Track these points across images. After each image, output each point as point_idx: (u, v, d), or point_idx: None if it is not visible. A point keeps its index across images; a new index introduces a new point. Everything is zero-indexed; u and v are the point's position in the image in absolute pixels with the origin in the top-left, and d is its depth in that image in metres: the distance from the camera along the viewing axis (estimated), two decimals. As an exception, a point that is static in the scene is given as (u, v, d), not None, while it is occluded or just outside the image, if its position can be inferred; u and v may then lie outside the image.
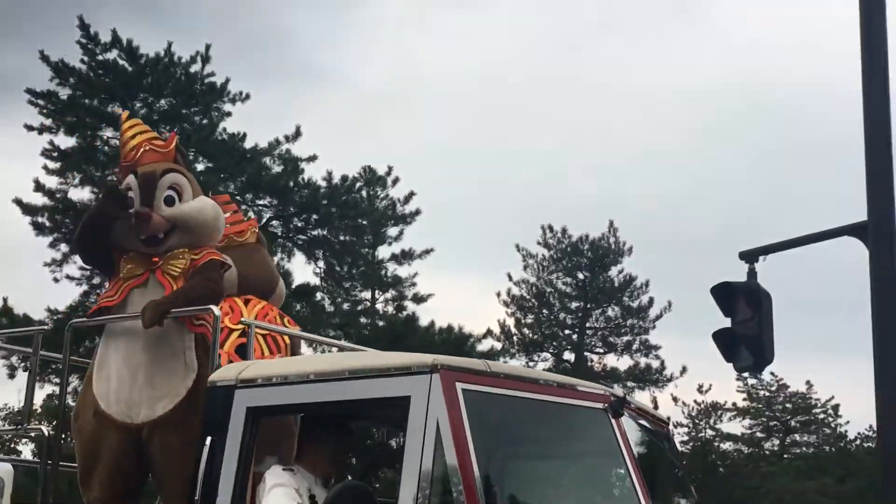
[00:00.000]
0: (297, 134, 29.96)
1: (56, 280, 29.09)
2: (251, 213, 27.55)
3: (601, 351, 41.29)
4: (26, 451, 30.63)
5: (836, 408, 44.96)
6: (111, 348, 6.53)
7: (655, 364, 40.30)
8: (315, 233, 31.13)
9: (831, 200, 47.96)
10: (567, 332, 41.47)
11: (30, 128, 28.87)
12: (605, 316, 41.40)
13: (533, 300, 41.65)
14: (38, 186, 28.45)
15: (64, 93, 29.07)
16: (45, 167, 28.80)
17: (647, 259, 54.14)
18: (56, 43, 58.32)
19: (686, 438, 43.74)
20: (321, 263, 32.10)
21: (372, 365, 5.55)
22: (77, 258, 29.20)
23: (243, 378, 5.85)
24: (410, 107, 65.43)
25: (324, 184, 30.80)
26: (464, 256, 57.41)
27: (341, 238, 31.66)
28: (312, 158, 30.00)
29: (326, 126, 57.99)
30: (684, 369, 40.14)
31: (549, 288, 41.58)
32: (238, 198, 29.44)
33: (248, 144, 29.80)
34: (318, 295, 31.99)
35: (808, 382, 45.03)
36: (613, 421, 5.46)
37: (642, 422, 6.00)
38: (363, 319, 33.11)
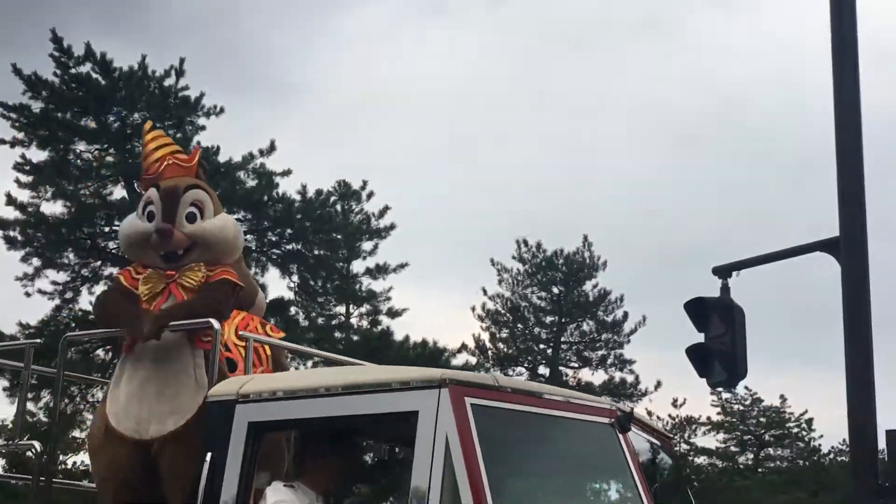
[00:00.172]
0: (272, 148, 29.90)
1: (28, 294, 28.92)
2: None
3: (576, 365, 41.32)
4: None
5: (809, 422, 45.16)
6: (126, 365, 6.51)
7: (630, 378, 40.37)
8: (289, 247, 31.04)
9: (803, 216, 48.23)
10: (542, 346, 41.49)
11: (2, 141, 28.71)
12: (579, 330, 41.44)
13: (508, 314, 41.64)
14: (10, 200, 28.27)
15: (36, 106, 28.92)
16: (17, 181, 28.62)
17: (622, 274, 54.40)
18: (29, 56, 58.05)
19: (660, 453, 43.73)
20: (295, 278, 32.02)
21: (378, 379, 5.47)
22: (49, 272, 29.09)
23: (244, 393, 5.74)
24: (384, 120, 65.46)
25: (298, 198, 30.74)
26: (438, 271, 57.50)
27: (316, 252, 31.58)
28: (287, 173, 29.94)
29: (301, 140, 57.96)
30: (659, 384, 40.22)
31: (523, 302, 41.59)
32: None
33: (222, 158, 29.68)
34: (293, 309, 31.89)
35: (781, 397, 45.26)
36: (620, 436, 5.43)
37: (648, 437, 5.96)
38: (338, 334, 33.01)
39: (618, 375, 40.46)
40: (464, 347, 38.14)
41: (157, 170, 6.86)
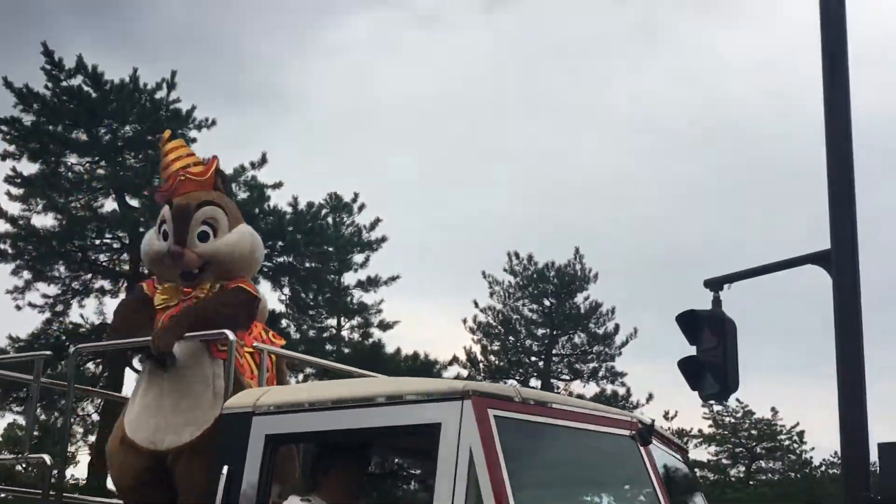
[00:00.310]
0: (263, 161, 29.92)
1: (18, 308, 28.86)
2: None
3: (567, 378, 41.29)
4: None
5: (801, 434, 45.20)
6: (144, 376, 6.49)
7: (622, 391, 40.33)
8: (281, 260, 31.03)
9: (795, 228, 48.32)
10: (533, 358, 41.46)
11: (-7, 154, 28.71)
12: (571, 343, 41.44)
13: (499, 327, 41.61)
14: (1, 213, 28.23)
15: (28, 119, 28.93)
16: (8, 193, 28.60)
17: (613, 286, 54.35)
18: (20, 69, 58.04)
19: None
20: (287, 290, 32.01)
21: (399, 391, 5.38)
22: (39, 285, 29.02)
23: (261, 405, 5.66)
24: (375, 133, 65.51)
25: (289, 210, 30.75)
26: (430, 283, 57.51)
27: (307, 265, 31.57)
28: (278, 185, 29.95)
29: (292, 152, 57.96)
30: (650, 396, 40.18)
31: (515, 315, 41.57)
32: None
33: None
34: (284, 322, 31.87)
35: (773, 409, 45.31)
36: (642, 449, 5.37)
37: (667, 449, 5.91)
38: (329, 346, 32.99)
39: (609, 388, 40.46)
40: (455, 360, 38.16)
41: (171, 187, 6.81)
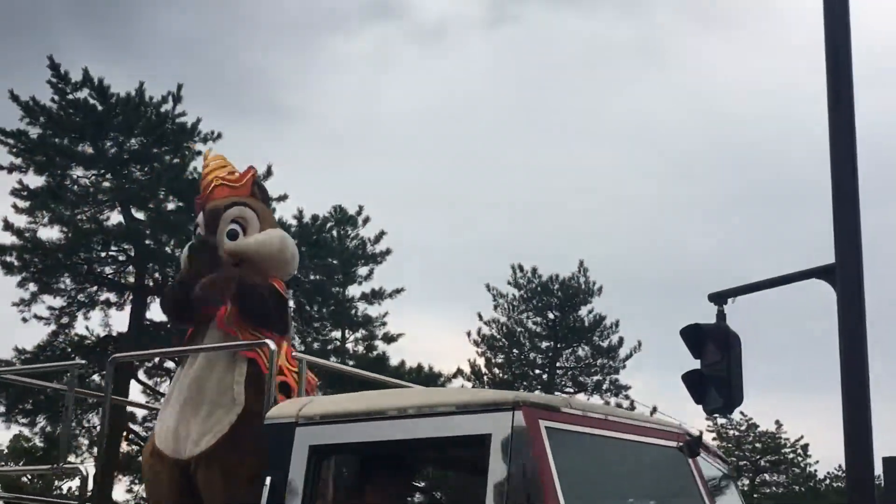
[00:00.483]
0: (268, 173, 29.93)
1: (24, 320, 28.88)
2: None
3: (571, 391, 41.22)
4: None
5: (805, 447, 45.15)
6: (174, 385, 6.50)
7: (626, 404, 40.24)
8: (285, 272, 31.02)
9: (800, 241, 48.29)
10: (537, 371, 41.43)
11: (-1, 167, 28.77)
12: (575, 356, 41.38)
13: (503, 340, 41.58)
14: (7, 225, 28.27)
15: (34, 132, 28.98)
16: (15, 206, 28.63)
17: (618, 299, 54.39)
18: (26, 82, 58.16)
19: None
20: (291, 303, 31.98)
21: (447, 401, 5.31)
22: (45, 298, 29.04)
23: (304, 415, 5.59)
24: (380, 145, 65.60)
25: (294, 223, 30.77)
26: (434, 296, 57.52)
27: (311, 277, 31.58)
28: (283, 198, 29.97)
29: (297, 165, 58.07)
30: (654, 409, 40.13)
31: (519, 327, 41.54)
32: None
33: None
34: (288, 334, 31.83)
35: (777, 422, 45.26)
36: (690, 461, 5.32)
37: (713, 461, 5.86)
38: (333, 359, 32.99)
39: (613, 401, 40.37)
40: (459, 373, 38.12)
41: (206, 193, 6.85)
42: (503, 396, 5.11)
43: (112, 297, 29.65)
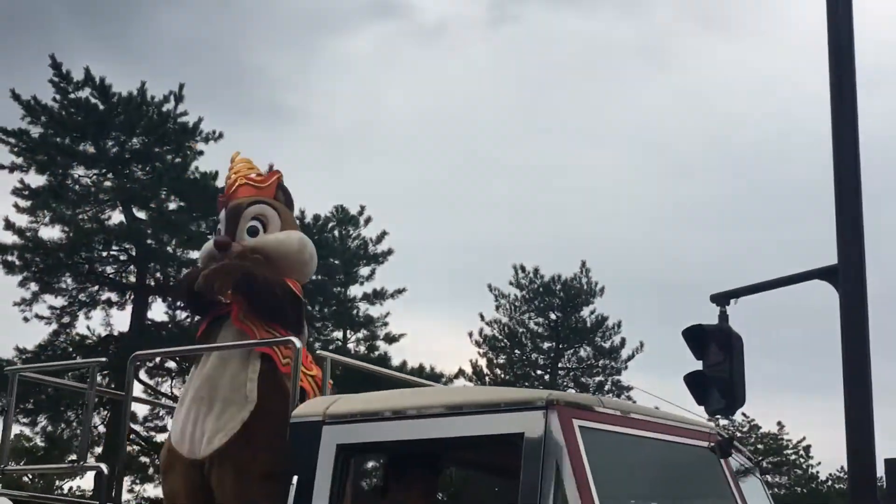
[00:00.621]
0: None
1: (26, 319, 28.87)
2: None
3: (573, 391, 41.25)
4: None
5: (807, 449, 45.14)
6: (189, 384, 6.47)
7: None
8: (287, 272, 31.00)
9: (803, 242, 48.27)
10: (539, 372, 41.43)
11: (0, 166, 28.76)
12: (577, 356, 41.40)
13: (505, 340, 41.59)
14: (9, 225, 28.27)
15: (35, 131, 28.99)
16: (16, 205, 28.64)
17: (620, 300, 54.36)
18: (28, 81, 58.20)
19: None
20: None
21: (479, 400, 5.24)
22: (46, 297, 29.04)
23: (332, 413, 5.52)
24: (382, 145, 65.61)
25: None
26: (436, 296, 57.51)
27: (313, 277, 31.52)
28: (285, 198, 29.91)
29: (299, 165, 58.00)
30: (656, 409, 40.12)
31: (521, 328, 41.54)
32: (210, 236, 29.33)
33: (220, 183, 29.69)
34: (290, 335, 31.79)
35: (779, 423, 45.25)
36: (722, 461, 5.28)
37: (743, 461, 5.81)
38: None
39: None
40: (461, 373, 38.14)
41: (229, 192, 6.83)
42: (536, 395, 5.04)
43: (113, 296, 29.65)
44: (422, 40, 73.90)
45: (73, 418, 29.22)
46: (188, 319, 26.56)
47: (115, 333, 29.20)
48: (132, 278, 29.69)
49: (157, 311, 30.11)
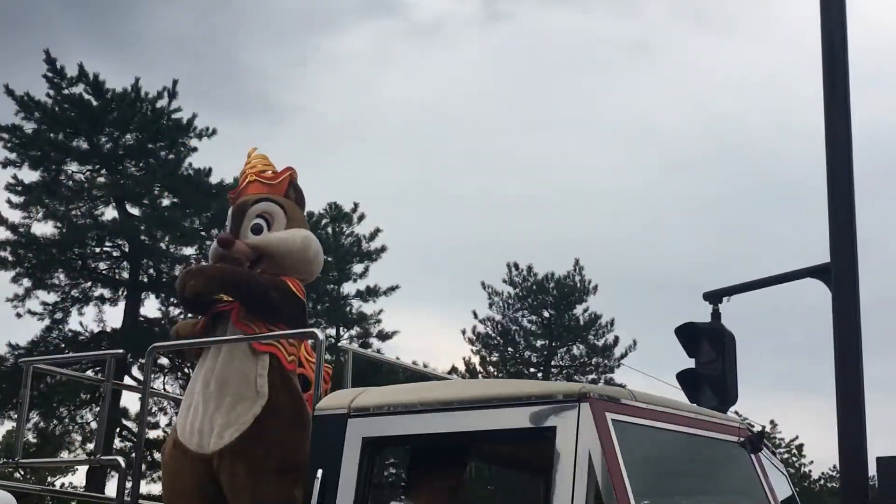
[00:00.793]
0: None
1: (18, 315, 28.85)
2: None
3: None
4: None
5: (800, 448, 45.18)
6: (195, 377, 6.42)
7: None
8: (280, 269, 30.99)
9: (795, 240, 48.34)
10: (532, 370, 41.41)
11: (-6, 162, 28.74)
12: (570, 354, 41.39)
13: (498, 338, 41.57)
14: (1, 220, 28.25)
15: (29, 127, 28.96)
16: (9, 201, 28.63)
17: (613, 298, 54.31)
18: (21, 77, 58.13)
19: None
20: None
21: (509, 393, 5.15)
22: (39, 293, 29.00)
23: (357, 406, 5.42)
24: (375, 142, 65.56)
25: (290, 220, 30.71)
26: (429, 294, 57.49)
27: (308, 275, 31.54)
28: (279, 195, 29.89)
29: (292, 162, 57.79)
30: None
31: (514, 326, 41.52)
32: (203, 233, 29.32)
33: (213, 180, 29.72)
34: (283, 331, 31.80)
35: (772, 422, 45.21)
36: (752, 456, 5.23)
37: (771, 457, 5.76)
38: (328, 356, 32.93)
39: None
40: (454, 371, 38.08)
41: (239, 188, 6.79)
42: (569, 388, 4.97)
43: (106, 292, 29.64)
44: (416, 37, 73.86)
45: (64, 414, 29.21)
46: (181, 316, 26.53)
47: (108, 330, 29.17)
48: (125, 274, 29.66)
49: (150, 307, 30.12)
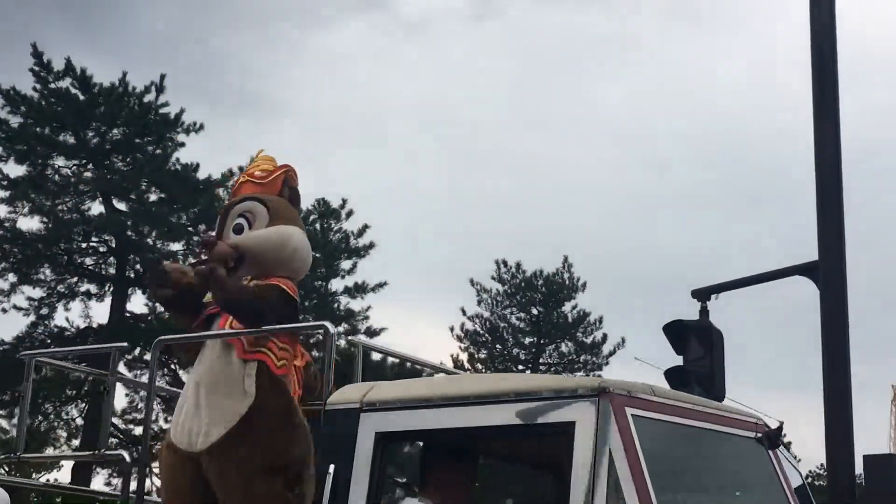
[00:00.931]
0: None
1: (4, 310, 28.73)
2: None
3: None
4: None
5: (787, 446, 45.21)
6: (189, 379, 6.38)
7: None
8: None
9: (783, 237, 48.41)
10: (521, 367, 41.37)
11: (-21, 156, 28.60)
12: (558, 351, 41.39)
13: (486, 335, 41.56)
14: (-13, 215, 28.15)
15: (15, 121, 28.80)
16: (-6, 196, 28.49)
17: (601, 295, 54.43)
18: (8, 70, 57.92)
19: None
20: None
21: (527, 387, 5.08)
22: (25, 288, 28.90)
23: (370, 400, 5.36)
24: (364, 139, 65.51)
25: (277, 216, 30.63)
26: (417, 290, 57.43)
27: (297, 271, 31.46)
28: (266, 190, 29.80)
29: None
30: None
31: (502, 323, 41.51)
32: (190, 229, 29.22)
33: (201, 175, 29.61)
34: (270, 328, 31.74)
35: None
36: (770, 452, 5.18)
37: (787, 454, 5.71)
38: (315, 353, 32.88)
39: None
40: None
41: (234, 190, 6.71)
42: (588, 382, 4.91)
43: (92, 288, 29.53)
44: (405, 33, 73.83)
45: (50, 411, 29.08)
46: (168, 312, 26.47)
47: (94, 325, 29.07)
48: (112, 270, 29.56)
49: (137, 303, 30.01)
